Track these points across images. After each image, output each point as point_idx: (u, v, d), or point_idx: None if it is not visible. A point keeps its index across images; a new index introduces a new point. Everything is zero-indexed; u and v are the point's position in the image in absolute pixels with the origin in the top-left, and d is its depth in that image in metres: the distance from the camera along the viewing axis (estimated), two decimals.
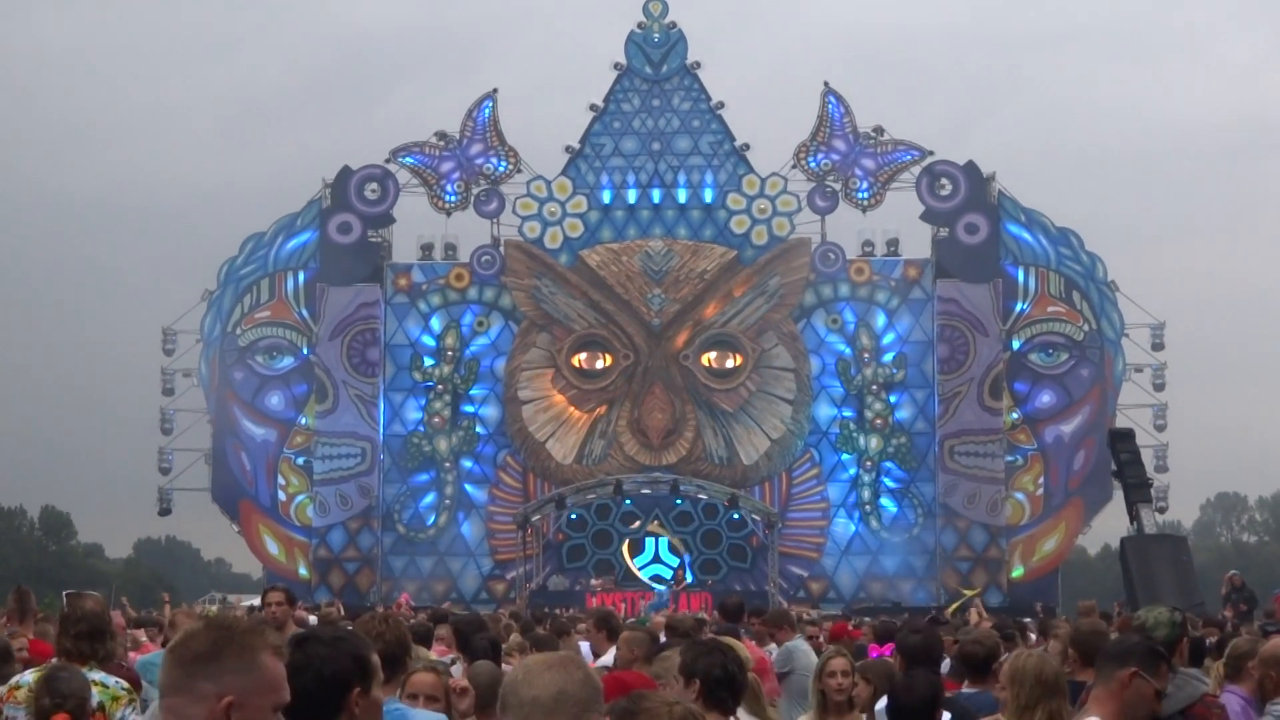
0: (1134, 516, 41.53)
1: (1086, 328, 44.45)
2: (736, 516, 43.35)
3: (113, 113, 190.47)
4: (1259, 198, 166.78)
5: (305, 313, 45.31)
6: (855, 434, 44.67)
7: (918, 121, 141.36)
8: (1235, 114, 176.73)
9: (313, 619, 16.84)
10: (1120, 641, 6.05)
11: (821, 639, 14.75)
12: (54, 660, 7.17)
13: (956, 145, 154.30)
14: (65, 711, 6.07)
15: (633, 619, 19.46)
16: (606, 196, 46.06)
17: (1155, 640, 6.53)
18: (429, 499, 44.99)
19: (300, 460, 44.97)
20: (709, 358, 44.66)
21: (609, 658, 10.31)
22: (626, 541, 43.61)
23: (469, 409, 45.37)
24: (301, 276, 45.56)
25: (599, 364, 44.86)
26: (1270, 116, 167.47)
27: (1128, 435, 43.07)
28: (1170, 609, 8.04)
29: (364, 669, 4.28)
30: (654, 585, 39.74)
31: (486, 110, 46.67)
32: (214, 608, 34.48)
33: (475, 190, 46.02)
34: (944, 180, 45.15)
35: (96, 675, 6.69)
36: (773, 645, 12.52)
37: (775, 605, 33.42)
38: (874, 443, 44.51)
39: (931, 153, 45.84)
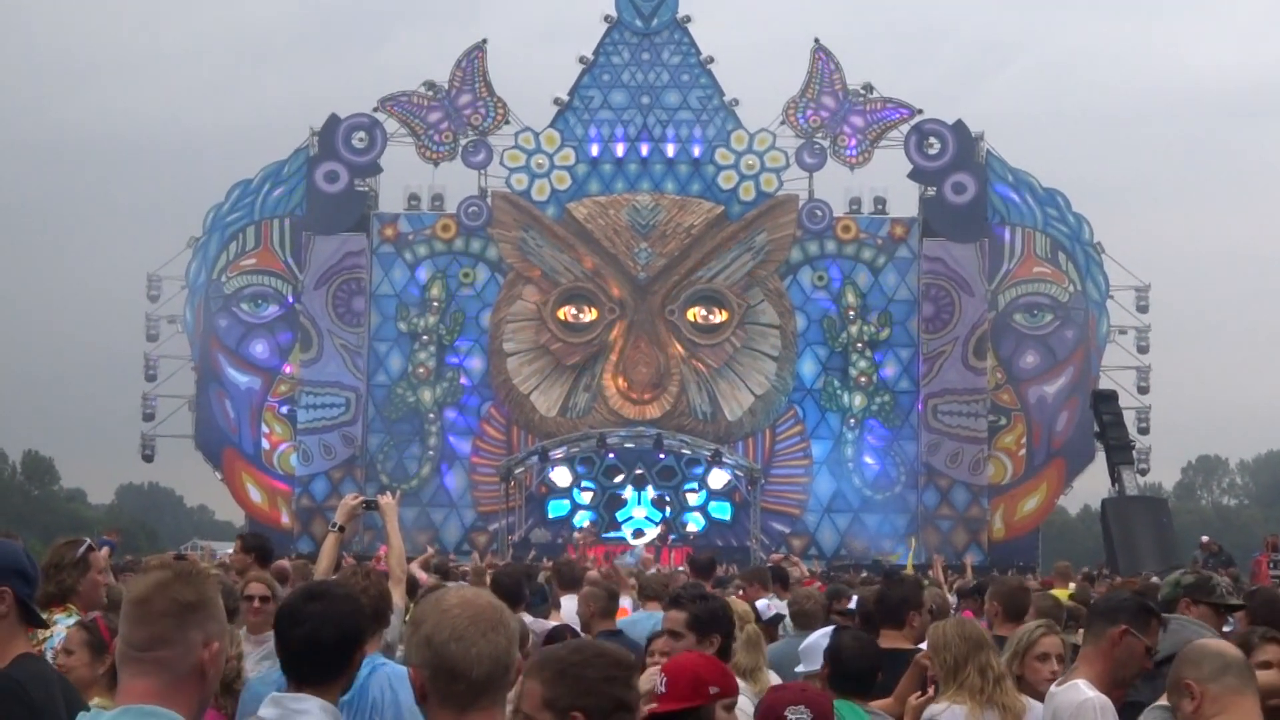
0: (1115, 478, 41.76)
1: (1071, 289, 44.46)
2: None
3: (107, 52, 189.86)
4: (1251, 162, 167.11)
5: (291, 261, 45.18)
6: (839, 391, 44.73)
7: (917, 81, 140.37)
8: (1236, 77, 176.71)
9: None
10: (1109, 598, 5.96)
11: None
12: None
13: (955, 105, 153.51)
14: None
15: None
16: (594, 149, 45.94)
17: (1155, 598, 6.43)
18: (412, 450, 45.00)
19: (284, 409, 44.92)
20: (695, 313, 44.66)
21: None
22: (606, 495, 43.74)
23: (454, 360, 45.33)
24: (288, 225, 45.42)
25: (584, 317, 44.84)
26: (1270, 80, 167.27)
27: (1110, 397, 43.24)
28: (1183, 571, 8.00)
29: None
30: (631, 540, 39.72)
31: (476, 60, 46.47)
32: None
33: (463, 141, 45.84)
34: (932, 139, 45.06)
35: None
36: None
37: (756, 561, 33.59)
38: (858, 400, 44.59)
39: (920, 111, 45.80)
